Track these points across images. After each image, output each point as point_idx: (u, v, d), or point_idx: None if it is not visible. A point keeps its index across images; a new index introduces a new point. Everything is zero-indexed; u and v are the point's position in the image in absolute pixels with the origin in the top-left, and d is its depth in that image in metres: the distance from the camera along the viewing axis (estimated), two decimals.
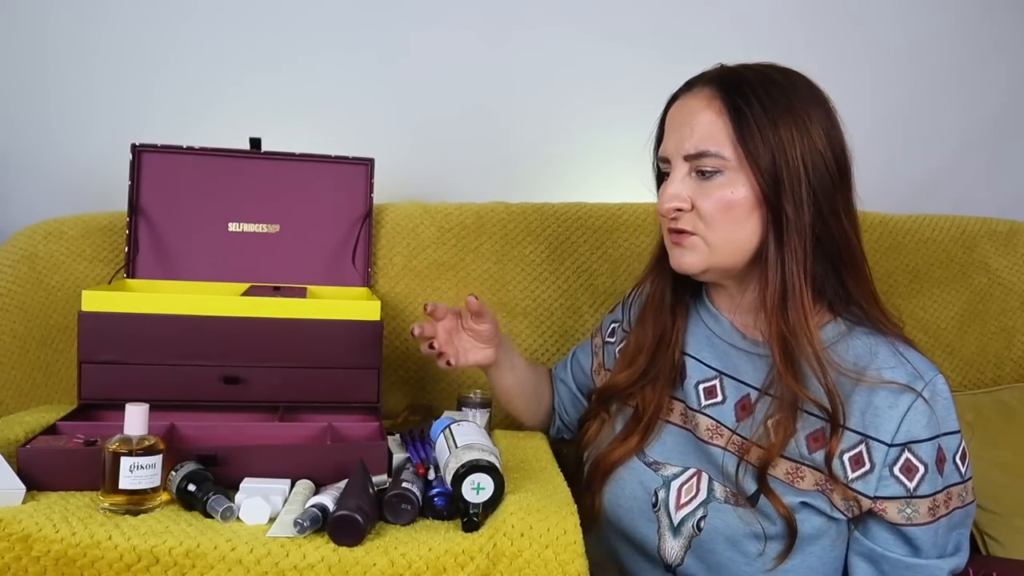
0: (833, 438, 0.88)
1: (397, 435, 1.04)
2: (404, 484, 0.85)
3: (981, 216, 1.60)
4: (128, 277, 1.27)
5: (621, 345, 1.11)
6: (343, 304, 1.14)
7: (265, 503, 0.81)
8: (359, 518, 0.76)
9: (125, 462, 0.80)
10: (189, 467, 0.85)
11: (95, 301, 1.08)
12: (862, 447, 0.88)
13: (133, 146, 1.28)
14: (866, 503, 0.88)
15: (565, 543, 0.78)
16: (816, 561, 0.91)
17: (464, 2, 1.59)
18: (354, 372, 1.13)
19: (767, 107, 0.88)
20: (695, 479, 0.95)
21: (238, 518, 0.81)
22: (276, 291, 1.25)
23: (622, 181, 1.60)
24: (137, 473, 0.81)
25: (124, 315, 1.08)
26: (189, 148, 1.30)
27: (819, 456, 0.89)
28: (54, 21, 1.51)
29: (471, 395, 1.19)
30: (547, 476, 0.94)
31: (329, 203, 1.33)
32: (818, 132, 0.89)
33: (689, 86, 0.95)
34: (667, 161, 0.95)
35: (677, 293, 1.03)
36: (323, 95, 1.58)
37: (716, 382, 0.98)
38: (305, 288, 1.30)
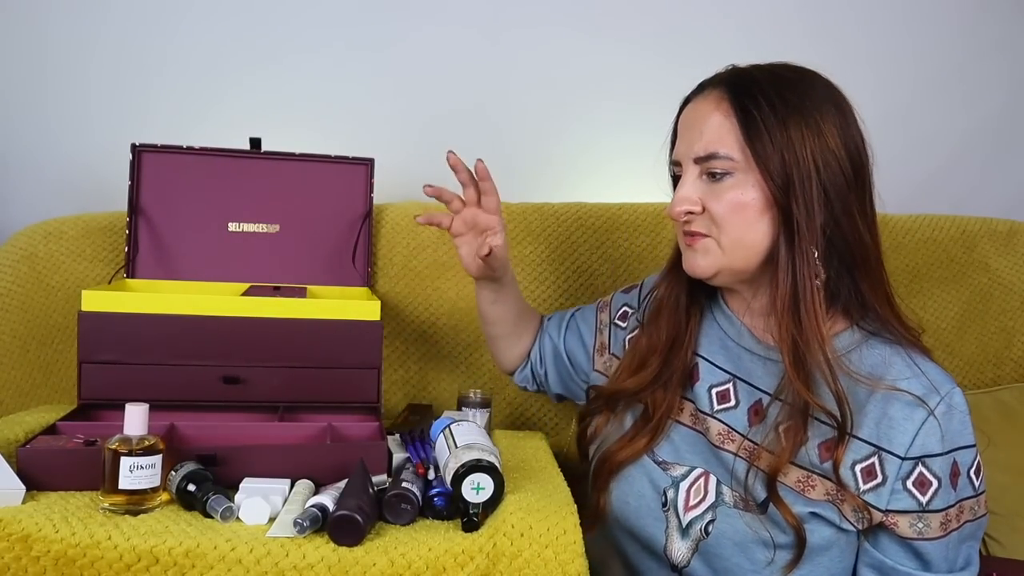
0: (840, 446, 0.87)
1: (397, 435, 1.04)
2: (404, 484, 0.85)
3: (981, 216, 1.60)
4: (128, 277, 1.27)
5: (632, 335, 1.09)
6: (343, 304, 1.14)
7: (265, 503, 0.81)
8: (359, 518, 0.76)
9: (125, 462, 0.80)
10: (189, 467, 0.85)
11: (95, 301, 1.08)
12: (875, 459, 0.87)
13: (133, 146, 1.28)
14: (877, 515, 0.87)
15: (565, 543, 0.78)
16: (824, 572, 0.90)
17: (464, 2, 1.58)
18: (354, 372, 1.13)
19: (776, 107, 0.87)
20: (702, 480, 0.95)
21: (238, 518, 0.81)
22: (276, 291, 1.25)
23: (622, 181, 1.60)
24: (137, 473, 0.81)
25: (124, 315, 1.08)
26: (189, 148, 1.30)
27: (830, 465, 0.88)
28: (54, 21, 1.51)
29: (471, 395, 1.19)
30: (547, 476, 0.94)
31: (329, 203, 1.33)
32: (831, 131, 0.87)
33: (700, 88, 0.95)
34: (679, 164, 0.95)
35: (692, 295, 1.02)
36: (323, 95, 1.58)
37: (729, 386, 0.97)
38: (305, 288, 1.30)
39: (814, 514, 0.89)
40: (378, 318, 1.13)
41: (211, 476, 0.85)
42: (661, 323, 1.03)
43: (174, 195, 1.29)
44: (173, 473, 0.85)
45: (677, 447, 0.98)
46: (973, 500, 0.89)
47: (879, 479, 0.87)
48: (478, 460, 0.82)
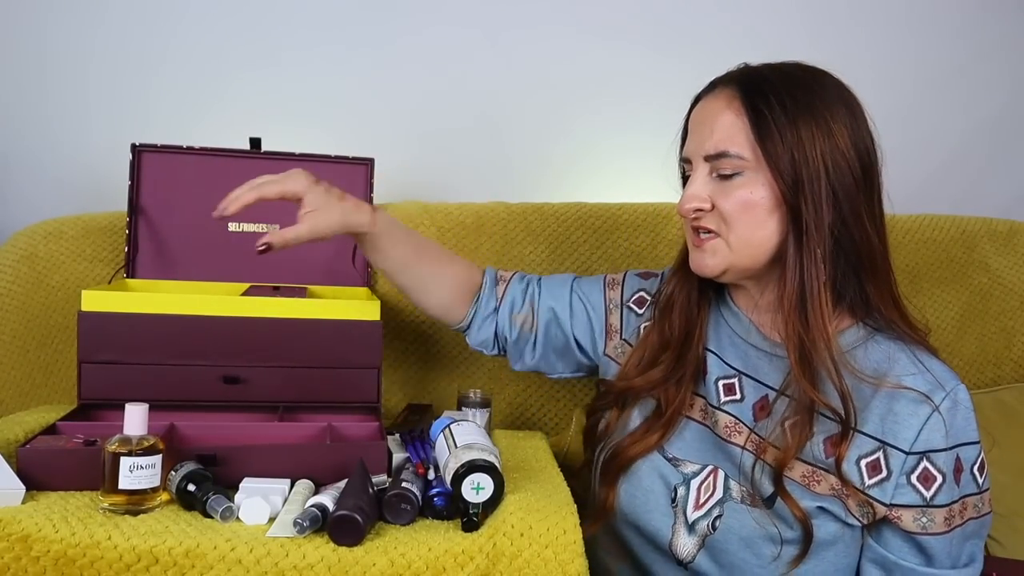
0: (844, 442, 0.87)
1: (397, 435, 1.04)
2: (404, 484, 0.85)
3: (981, 216, 1.60)
4: (128, 277, 1.27)
5: (647, 324, 1.07)
6: (343, 304, 1.14)
7: (265, 503, 0.81)
8: (359, 518, 0.76)
9: (125, 462, 0.80)
10: (189, 467, 0.85)
11: (95, 301, 1.08)
12: (879, 453, 0.88)
13: (133, 146, 1.28)
14: (881, 510, 0.88)
15: (565, 543, 0.78)
16: (829, 567, 0.90)
17: (464, 2, 1.58)
18: (354, 372, 1.13)
19: (787, 107, 0.87)
20: (712, 477, 0.95)
21: (238, 518, 0.81)
22: (276, 291, 1.25)
23: (622, 181, 1.60)
24: (137, 473, 0.81)
25: (124, 315, 1.08)
26: (189, 148, 1.30)
27: (835, 461, 0.88)
28: (54, 21, 1.51)
29: (471, 395, 1.19)
30: (547, 476, 0.94)
31: None
32: (841, 131, 0.88)
33: (711, 87, 0.95)
34: (689, 162, 0.95)
35: (701, 290, 1.02)
36: (323, 95, 1.58)
37: (736, 380, 0.98)
38: (305, 288, 1.30)
39: (820, 508, 0.89)
40: (378, 318, 1.13)
41: (211, 476, 0.85)
42: (673, 319, 1.02)
43: (174, 195, 1.29)
44: (173, 473, 0.85)
45: (687, 443, 0.99)
46: (976, 497, 0.90)
47: (884, 474, 0.88)
48: (478, 460, 0.82)
